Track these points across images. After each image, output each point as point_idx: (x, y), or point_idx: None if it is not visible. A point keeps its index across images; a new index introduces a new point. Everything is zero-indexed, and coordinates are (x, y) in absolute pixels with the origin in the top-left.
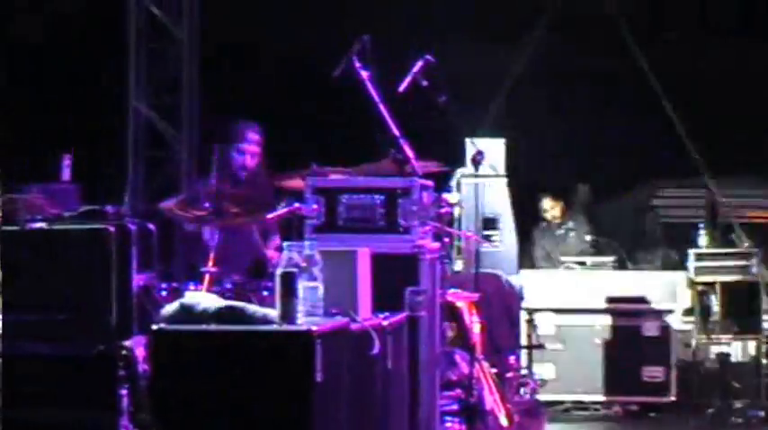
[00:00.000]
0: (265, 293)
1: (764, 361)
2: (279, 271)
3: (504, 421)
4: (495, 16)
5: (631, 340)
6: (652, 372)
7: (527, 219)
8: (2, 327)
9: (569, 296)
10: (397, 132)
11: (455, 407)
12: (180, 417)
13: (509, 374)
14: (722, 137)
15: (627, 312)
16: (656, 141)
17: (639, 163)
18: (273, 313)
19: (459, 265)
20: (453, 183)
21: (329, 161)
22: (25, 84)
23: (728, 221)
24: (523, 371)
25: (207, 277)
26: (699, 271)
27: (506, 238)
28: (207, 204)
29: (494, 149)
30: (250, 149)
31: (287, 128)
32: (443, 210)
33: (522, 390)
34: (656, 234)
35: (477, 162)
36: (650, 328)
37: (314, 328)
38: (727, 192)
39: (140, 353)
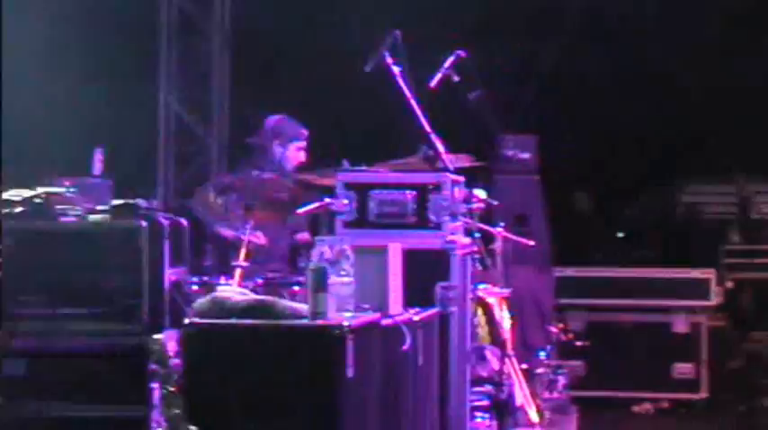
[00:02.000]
0: (296, 288)
1: None
2: (310, 266)
3: (534, 417)
4: (527, 12)
5: (662, 336)
6: (683, 369)
7: (559, 215)
8: (34, 321)
9: (600, 292)
10: (428, 128)
11: (485, 402)
12: (211, 412)
13: (539, 370)
14: (754, 133)
15: (657, 308)
16: (687, 137)
17: (668, 159)
18: (305, 308)
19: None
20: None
21: (361, 157)
22: (58, 78)
23: (760, 218)
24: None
25: (238, 271)
26: (730, 267)
27: (538, 234)
28: (234, 197)
29: (526, 145)
30: (304, 145)
31: (318, 123)
32: (475, 206)
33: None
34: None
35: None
36: (681, 325)
37: (345, 324)
38: (758, 188)
39: (172, 347)
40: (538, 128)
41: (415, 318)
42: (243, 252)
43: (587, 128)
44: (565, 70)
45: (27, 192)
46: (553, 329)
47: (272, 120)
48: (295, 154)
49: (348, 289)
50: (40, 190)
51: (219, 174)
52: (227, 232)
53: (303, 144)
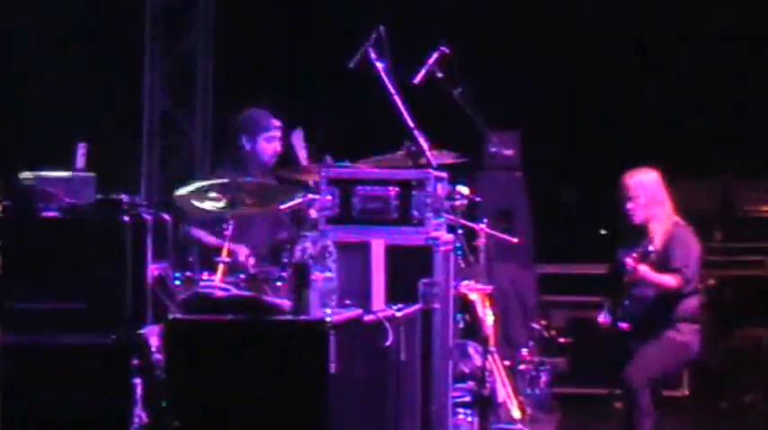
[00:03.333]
0: (279, 284)
1: None
2: (293, 262)
3: (516, 414)
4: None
5: None
6: None
7: (543, 212)
8: (16, 316)
9: (583, 289)
10: (411, 124)
11: (467, 399)
12: (194, 407)
13: (522, 367)
14: (738, 130)
15: None
16: (672, 135)
17: (652, 157)
18: (287, 304)
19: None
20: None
21: (343, 153)
22: (41, 71)
23: (742, 215)
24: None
25: (221, 267)
26: (712, 265)
27: (521, 231)
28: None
29: (509, 142)
30: (277, 135)
31: (301, 118)
32: (458, 202)
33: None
34: None
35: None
36: None
37: (328, 319)
38: (740, 185)
39: (155, 342)
40: (523, 124)
41: (398, 314)
42: (225, 249)
43: (573, 124)
44: (551, 67)
45: (9, 186)
46: (536, 326)
47: (240, 114)
48: (265, 146)
49: (331, 285)
50: (23, 184)
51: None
52: (207, 238)
53: (274, 134)
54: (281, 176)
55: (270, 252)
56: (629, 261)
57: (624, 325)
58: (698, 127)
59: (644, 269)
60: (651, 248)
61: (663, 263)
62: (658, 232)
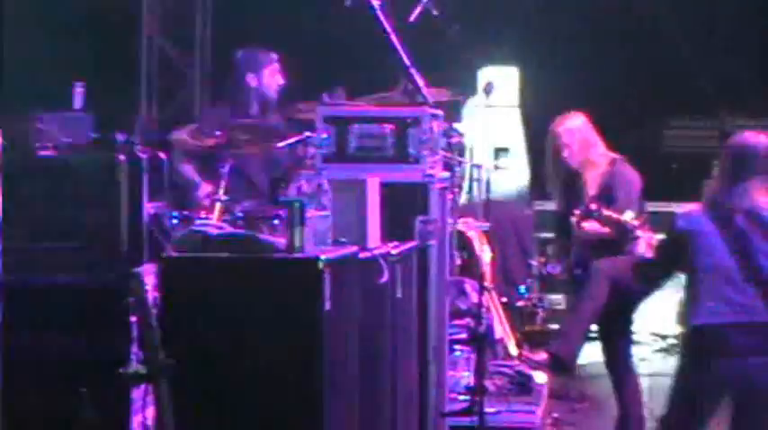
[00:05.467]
0: (276, 222)
1: None
2: (288, 199)
3: (513, 350)
4: None
5: None
6: None
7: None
8: (12, 256)
9: None
10: (408, 61)
11: (464, 335)
12: (188, 345)
13: (519, 303)
14: (734, 69)
15: None
16: (667, 73)
17: (651, 95)
18: (282, 242)
19: None
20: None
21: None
22: (38, 11)
23: None
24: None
25: (218, 206)
26: None
27: (519, 168)
28: (218, 132)
29: (507, 78)
30: (278, 68)
31: (299, 57)
32: (454, 140)
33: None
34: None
35: (487, 92)
36: None
37: (322, 257)
38: (738, 123)
39: (150, 280)
40: (523, 61)
41: (393, 252)
42: (222, 186)
43: (572, 63)
44: (551, 6)
45: (5, 126)
46: (534, 263)
47: (239, 53)
48: (271, 79)
49: (326, 222)
50: (20, 123)
51: (204, 119)
52: (192, 174)
53: (276, 66)
54: (286, 114)
55: (270, 187)
56: (572, 221)
57: (578, 270)
58: (697, 65)
59: (589, 226)
60: (593, 207)
61: (607, 204)
62: (595, 176)
